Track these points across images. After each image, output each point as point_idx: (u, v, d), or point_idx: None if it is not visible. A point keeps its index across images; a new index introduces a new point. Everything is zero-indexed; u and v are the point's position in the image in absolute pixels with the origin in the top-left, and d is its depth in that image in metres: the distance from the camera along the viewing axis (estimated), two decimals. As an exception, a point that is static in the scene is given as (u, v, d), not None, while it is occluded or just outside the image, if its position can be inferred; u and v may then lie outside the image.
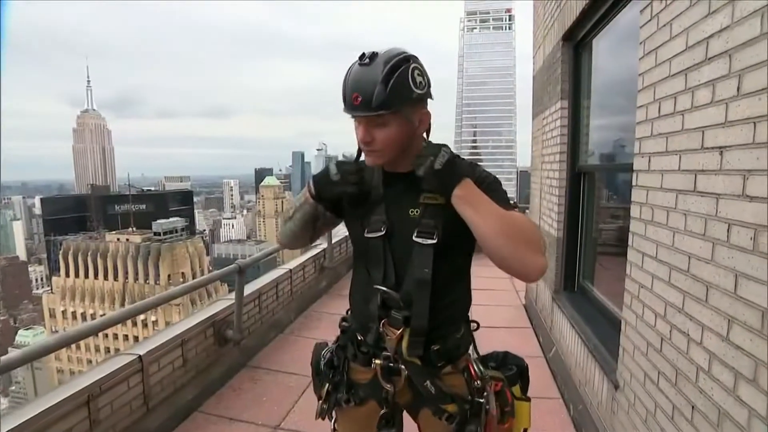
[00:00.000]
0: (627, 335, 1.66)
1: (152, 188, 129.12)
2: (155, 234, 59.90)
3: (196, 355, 2.46)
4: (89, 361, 49.79)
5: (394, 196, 1.00)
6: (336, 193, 0.98)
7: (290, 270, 3.79)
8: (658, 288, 1.40)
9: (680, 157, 1.27)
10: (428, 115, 0.97)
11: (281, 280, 3.61)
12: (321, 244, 5.03)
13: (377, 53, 0.89)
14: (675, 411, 1.27)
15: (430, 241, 0.95)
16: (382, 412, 1.03)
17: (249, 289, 3.08)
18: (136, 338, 46.17)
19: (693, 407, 1.18)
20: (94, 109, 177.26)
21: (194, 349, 2.45)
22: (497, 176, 1.00)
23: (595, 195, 2.83)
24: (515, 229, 0.88)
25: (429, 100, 0.97)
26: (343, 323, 1.12)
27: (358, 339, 1.04)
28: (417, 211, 0.97)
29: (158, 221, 63.27)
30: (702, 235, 1.15)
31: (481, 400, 1.00)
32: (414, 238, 0.95)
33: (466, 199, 0.89)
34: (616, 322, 2.09)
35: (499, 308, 4.15)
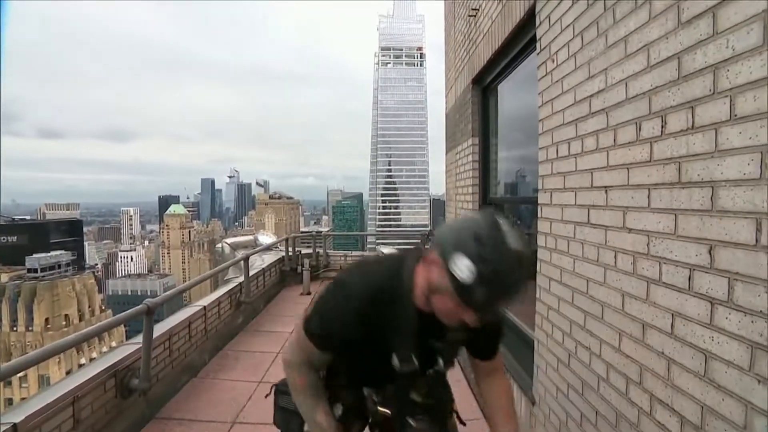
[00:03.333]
0: (540, 353, 1.83)
1: (27, 217, 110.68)
2: (30, 270, 51.01)
3: (92, 413, 2.12)
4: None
5: (421, 331, 1.00)
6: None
7: (204, 307, 3.51)
8: (563, 309, 1.59)
9: (576, 194, 1.48)
10: None
11: (194, 318, 3.32)
12: (237, 277, 4.75)
13: (524, 254, 0.81)
14: (583, 418, 1.43)
15: (444, 369, 1.11)
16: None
17: (158, 330, 2.78)
18: (9, 401, 37.95)
19: (596, 412, 1.34)
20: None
21: (90, 405, 2.11)
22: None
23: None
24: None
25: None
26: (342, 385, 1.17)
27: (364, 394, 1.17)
28: (440, 345, 1.05)
29: (35, 255, 54.02)
30: (596, 261, 1.34)
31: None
32: (441, 366, 1.09)
33: None
34: (530, 341, 2.29)
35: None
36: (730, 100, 0.82)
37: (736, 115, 0.81)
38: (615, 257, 1.23)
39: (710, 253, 0.87)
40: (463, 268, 0.78)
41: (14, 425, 1.67)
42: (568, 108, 1.53)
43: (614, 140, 1.23)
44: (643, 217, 1.09)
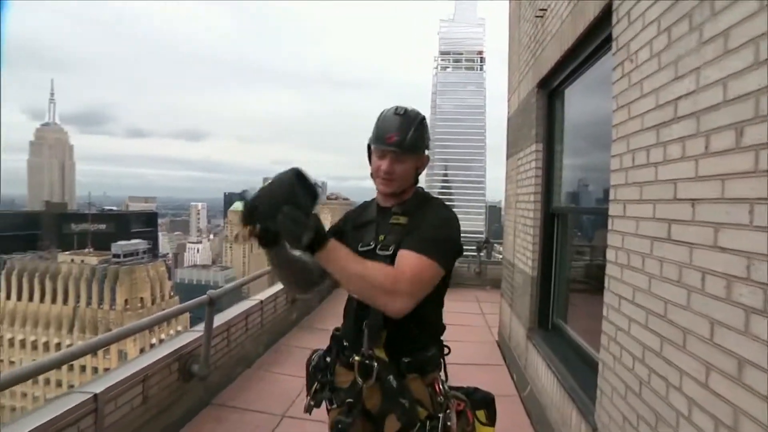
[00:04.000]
0: (605, 377, 1.68)
1: (114, 208, 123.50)
2: (114, 256, 56.79)
3: (158, 392, 2.29)
4: (36, 397, 45.29)
5: (380, 222, 1.25)
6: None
7: (261, 301, 3.66)
8: (635, 331, 1.44)
9: (654, 206, 1.34)
10: (427, 160, 1.29)
11: (252, 311, 3.48)
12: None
13: (405, 108, 1.22)
14: (655, 456, 1.28)
15: (386, 253, 1.16)
16: (348, 400, 1.16)
17: (218, 320, 2.94)
18: (83, 367, 42.60)
19: (673, 453, 1.19)
20: (56, 123, 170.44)
21: (157, 385, 2.28)
22: (450, 216, 1.23)
23: (568, 235, 2.94)
24: (362, 284, 1.06)
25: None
26: (335, 332, 1.31)
27: (343, 344, 1.24)
28: (383, 236, 1.21)
29: (119, 242, 60.12)
30: (677, 281, 1.20)
31: (441, 415, 1.12)
32: (377, 251, 1.18)
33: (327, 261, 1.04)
34: (592, 362, 2.12)
35: (471, 344, 4.13)
36: None
37: None
38: (702, 279, 1.09)
39: (832, 283, 0.73)
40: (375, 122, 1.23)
41: (95, 395, 1.84)
42: (649, 112, 1.39)
43: (706, 147, 1.09)
44: (742, 235, 0.95)
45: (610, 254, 1.67)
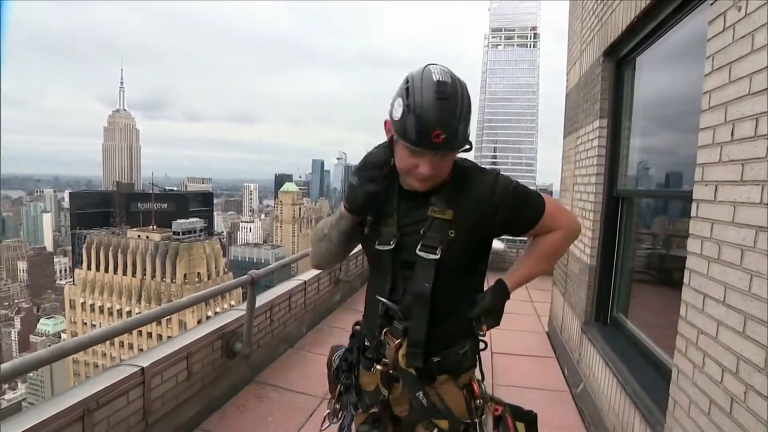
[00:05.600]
0: (680, 387, 1.45)
1: (174, 188, 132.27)
2: (174, 233, 61.05)
3: (202, 368, 2.35)
4: (103, 354, 50.64)
5: (405, 210, 1.03)
6: (364, 199, 1.00)
7: (305, 282, 3.67)
8: (725, 337, 1.21)
9: (763, 188, 1.09)
10: None
11: (295, 291, 3.49)
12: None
13: (448, 84, 0.88)
14: (747, 488, 1.07)
15: (432, 257, 0.97)
16: (371, 411, 1.09)
17: (261, 300, 2.96)
18: (159, 337, 46.75)
19: (774, 489, 0.98)
20: (125, 110, 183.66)
21: (200, 362, 2.33)
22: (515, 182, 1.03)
23: (634, 222, 2.63)
24: (553, 257, 1.11)
25: None
26: (356, 327, 1.19)
27: (365, 344, 1.12)
28: (424, 226, 1.00)
29: (178, 221, 64.50)
30: (792, 282, 0.97)
31: (477, 420, 1.02)
32: (417, 251, 0.98)
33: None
34: (660, 365, 1.88)
35: (520, 334, 3.93)
36: None
37: None
38: (833, 282, 0.85)
39: None
40: (396, 108, 0.91)
41: (142, 369, 1.89)
42: (758, 72, 1.12)
43: None
44: None
45: (692, 245, 1.42)
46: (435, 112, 0.86)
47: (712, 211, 1.33)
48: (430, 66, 0.91)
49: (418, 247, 0.98)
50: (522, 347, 3.59)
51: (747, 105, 1.17)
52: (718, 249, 1.28)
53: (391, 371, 1.03)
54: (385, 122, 0.98)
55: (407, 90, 0.89)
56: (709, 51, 1.39)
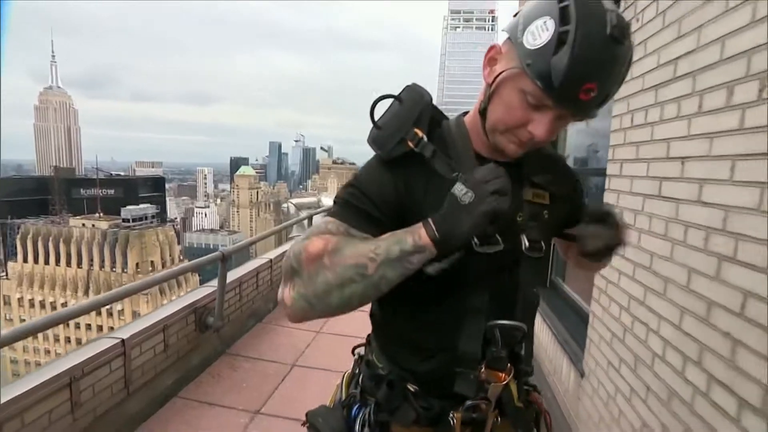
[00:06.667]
0: (594, 327, 1.80)
1: (122, 173, 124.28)
2: (124, 220, 57.82)
3: (177, 340, 2.47)
4: (47, 352, 47.76)
5: None
6: (483, 222, 0.61)
7: (271, 260, 3.81)
8: (623, 283, 1.54)
9: (648, 165, 1.39)
10: None
11: (262, 269, 3.63)
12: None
13: (624, 22, 0.58)
14: (632, 393, 1.41)
15: (538, 255, 0.74)
16: None
17: (230, 277, 3.09)
18: (99, 328, 44.54)
19: (648, 389, 1.31)
20: (59, 87, 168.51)
21: (176, 334, 2.46)
22: None
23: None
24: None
25: None
26: (379, 371, 0.79)
27: (412, 391, 0.75)
28: (522, 215, 0.74)
29: (128, 207, 61.05)
30: (663, 235, 1.27)
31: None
32: (525, 250, 0.72)
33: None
34: (584, 315, 2.24)
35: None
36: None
37: None
38: (685, 232, 1.16)
39: (795, 230, 0.80)
40: (536, 31, 0.59)
41: (122, 340, 2.00)
42: (650, 72, 1.41)
43: (699, 107, 1.13)
44: (723, 190, 1.02)
45: (605, 213, 1.74)
46: (603, 55, 0.57)
47: (618, 183, 1.64)
48: None
49: (525, 244, 0.72)
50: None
51: (641, 98, 1.47)
52: (621, 214, 1.59)
53: (474, 415, 0.74)
54: (493, 48, 0.68)
55: (565, 10, 0.57)
56: (618, 51, 1.68)
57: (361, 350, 0.89)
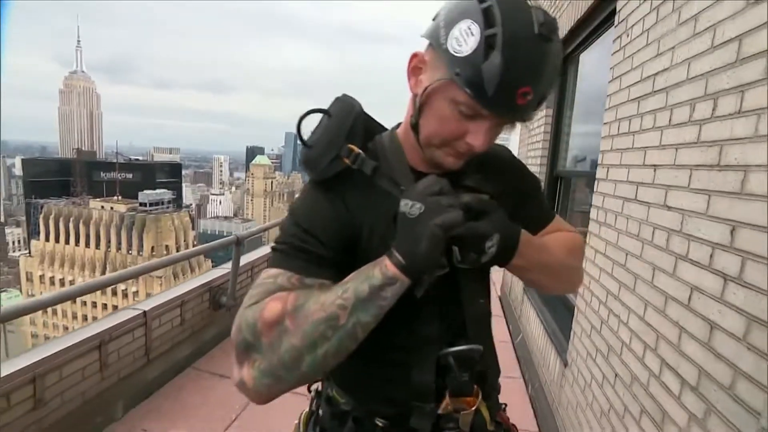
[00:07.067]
0: (578, 320, 1.92)
1: (140, 158, 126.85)
2: (141, 204, 59.21)
3: (192, 316, 2.67)
4: (65, 328, 49.43)
5: None
6: (428, 242, 0.54)
7: (282, 247, 4.00)
8: (603, 279, 1.66)
9: (629, 170, 1.51)
10: None
11: (273, 255, 3.82)
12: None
13: (550, 18, 0.55)
14: (604, 379, 1.54)
15: (471, 265, 0.62)
16: None
17: (243, 261, 3.28)
18: (115, 307, 45.90)
19: (616, 375, 1.44)
20: (83, 71, 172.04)
21: (191, 310, 2.66)
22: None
23: (569, 198, 3.09)
24: (566, 270, 0.76)
25: None
26: (342, 408, 0.73)
27: (381, 426, 0.70)
28: None
29: (145, 192, 62.49)
30: (636, 235, 1.40)
31: None
32: (456, 262, 0.61)
33: (524, 267, 0.66)
34: (571, 308, 2.36)
35: (476, 297, 4.44)
36: (772, 88, 0.84)
37: (776, 102, 0.84)
38: (653, 233, 1.28)
39: (731, 234, 0.93)
40: (461, 36, 0.55)
41: (144, 312, 2.20)
42: (635, 85, 1.53)
43: (669, 120, 1.25)
44: (682, 195, 1.14)
45: (593, 213, 1.86)
46: (535, 56, 0.54)
47: (604, 186, 1.76)
48: None
49: (455, 255, 0.60)
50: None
51: (626, 108, 1.58)
52: (605, 215, 1.71)
53: None
54: (415, 56, 0.63)
55: (488, 11, 0.53)
56: (611, 63, 1.79)
57: (318, 385, 0.80)
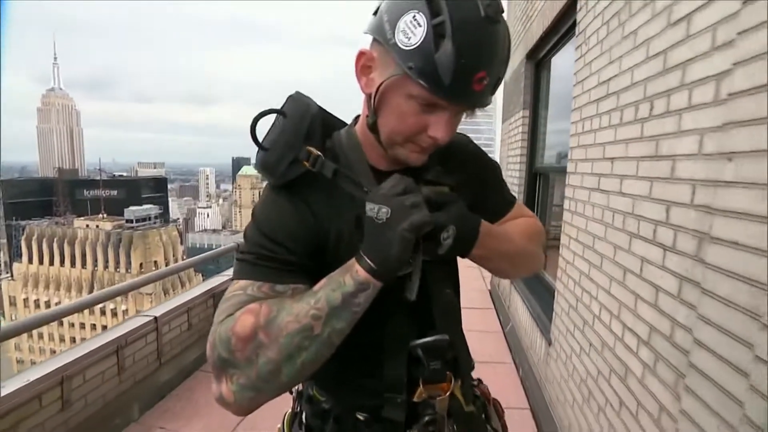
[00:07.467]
0: (557, 301, 2.12)
1: (124, 174, 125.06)
2: (127, 221, 58.41)
3: (198, 321, 2.81)
4: (53, 351, 48.32)
5: None
6: (397, 245, 0.55)
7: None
8: (577, 262, 1.86)
9: (592, 164, 1.72)
10: None
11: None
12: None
13: (499, 4, 0.55)
14: (581, 350, 1.73)
15: (436, 257, 0.62)
16: None
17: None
18: (104, 327, 45.02)
19: (590, 344, 1.64)
20: (61, 88, 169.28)
21: (197, 315, 2.79)
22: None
23: (548, 193, 3.31)
24: (526, 257, 0.78)
25: None
26: (323, 406, 0.75)
27: (363, 420, 0.72)
28: None
29: (131, 208, 61.68)
30: (601, 220, 1.60)
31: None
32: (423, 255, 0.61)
33: (485, 257, 0.68)
34: (552, 290, 2.56)
35: (466, 291, 4.61)
36: (689, 93, 1.05)
37: (693, 105, 1.04)
38: (613, 217, 1.48)
39: (667, 212, 1.12)
40: (407, 28, 0.54)
41: (155, 318, 2.34)
42: (593, 88, 1.74)
43: (621, 119, 1.45)
44: (633, 183, 1.34)
45: (565, 204, 2.06)
46: (485, 39, 0.55)
47: (574, 179, 1.96)
48: None
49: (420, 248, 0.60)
50: (467, 302, 4.26)
51: (588, 109, 1.79)
52: (575, 204, 1.91)
53: (432, 429, 0.70)
54: (362, 55, 0.62)
55: (429, 2, 0.53)
56: (574, 69, 2.00)
57: (299, 386, 0.81)
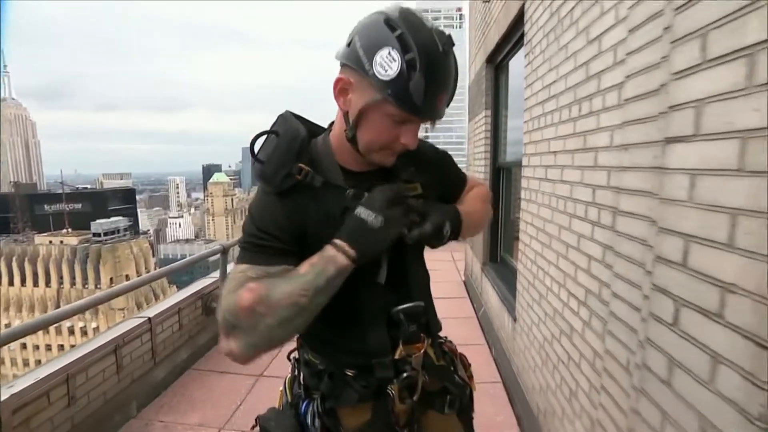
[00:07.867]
0: (519, 280, 2.38)
1: (89, 186, 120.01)
2: (94, 235, 56.17)
3: (188, 322, 2.93)
4: (15, 375, 45.77)
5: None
6: (389, 241, 0.76)
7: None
8: (533, 244, 2.12)
9: (540, 157, 1.98)
10: None
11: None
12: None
13: (441, 30, 0.73)
14: (540, 321, 1.99)
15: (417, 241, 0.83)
16: None
17: (229, 268, 3.55)
18: (61, 347, 42.88)
19: (546, 314, 1.89)
20: (13, 98, 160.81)
21: (187, 316, 2.91)
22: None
23: (512, 186, 3.60)
24: (485, 215, 1.06)
25: None
26: (313, 365, 0.91)
27: (351, 375, 0.87)
28: None
29: (98, 221, 59.31)
30: (548, 205, 1.85)
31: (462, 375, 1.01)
32: (409, 240, 0.81)
33: (465, 231, 0.89)
34: (514, 271, 2.83)
35: (443, 283, 4.89)
36: (603, 98, 1.30)
37: (606, 107, 1.29)
38: (557, 202, 1.74)
39: (593, 194, 1.38)
40: (385, 63, 0.69)
41: (149, 318, 2.46)
42: (539, 91, 2.00)
43: (560, 118, 1.71)
44: (570, 172, 1.59)
45: (522, 194, 2.32)
46: (444, 69, 0.72)
47: (528, 171, 2.22)
48: (407, 8, 0.73)
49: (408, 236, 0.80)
50: (443, 293, 4.53)
51: (536, 109, 2.05)
52: (530, 193, 2.17)
53: (407, 378, 0.88)
54: (340, 80, 0.75)
55: (402, 38, 0.68)
56: (524, 73, 2.26)
57: (296, 354, 0.98)
